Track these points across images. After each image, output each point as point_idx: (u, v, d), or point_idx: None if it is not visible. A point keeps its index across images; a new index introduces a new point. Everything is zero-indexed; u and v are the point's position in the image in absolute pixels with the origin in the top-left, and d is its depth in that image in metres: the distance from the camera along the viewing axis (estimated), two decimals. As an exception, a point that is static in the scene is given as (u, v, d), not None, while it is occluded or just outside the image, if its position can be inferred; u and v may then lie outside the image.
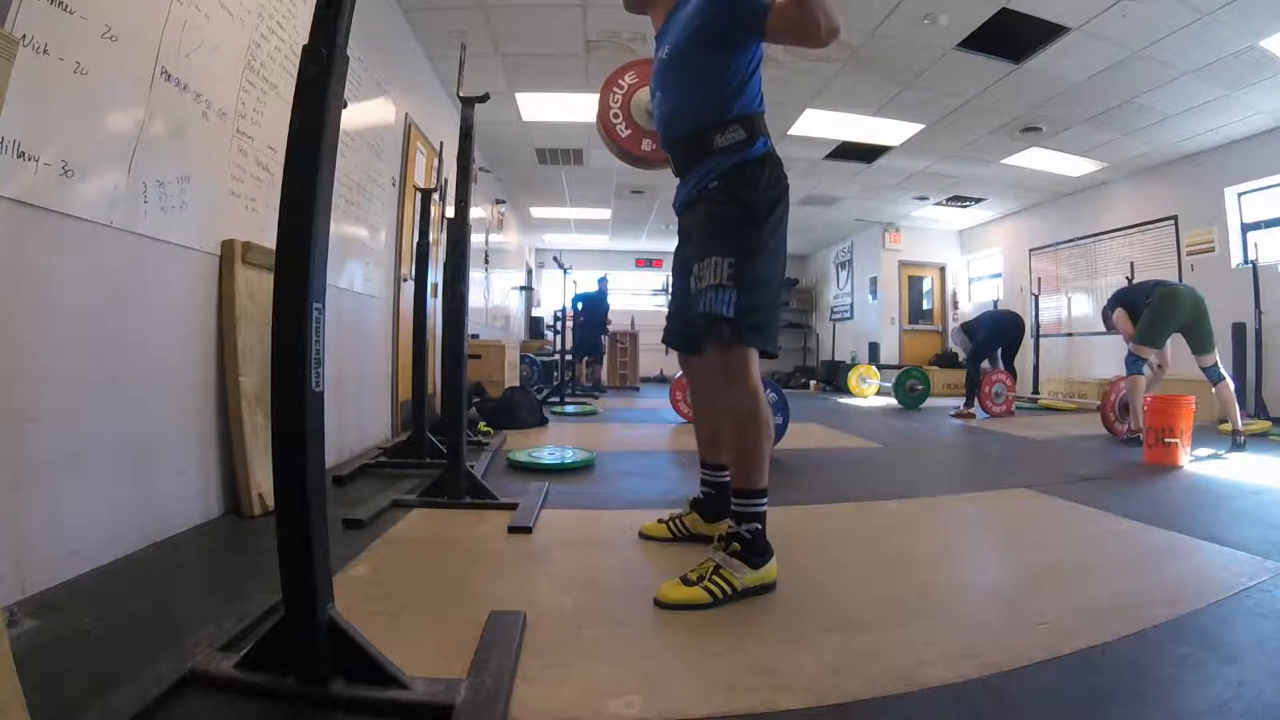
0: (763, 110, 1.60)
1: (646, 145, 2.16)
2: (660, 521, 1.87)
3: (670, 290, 1.83)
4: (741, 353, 1.48)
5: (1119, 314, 4.23)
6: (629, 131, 2.17)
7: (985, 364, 5.93)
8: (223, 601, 1.29)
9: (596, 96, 2.20)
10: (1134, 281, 5.68)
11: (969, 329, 6.12)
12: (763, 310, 1.50)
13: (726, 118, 1.53)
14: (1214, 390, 3.80)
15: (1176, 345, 3.99)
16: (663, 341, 1.83)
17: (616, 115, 2.17)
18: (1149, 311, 3.88)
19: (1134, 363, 3.90)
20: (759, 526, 1.46)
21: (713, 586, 1.37)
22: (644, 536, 1.86)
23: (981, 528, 2.18)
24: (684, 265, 1.65)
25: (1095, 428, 4.48)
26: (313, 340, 0.93)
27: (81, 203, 1.45)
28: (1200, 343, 3.79)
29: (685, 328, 1.67)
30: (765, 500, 1.48)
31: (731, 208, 1.49)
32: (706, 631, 1.25)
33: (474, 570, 1.62)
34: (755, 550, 1.43)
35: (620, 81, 2.18)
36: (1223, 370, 3.78)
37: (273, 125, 2.21)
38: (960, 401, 5.91)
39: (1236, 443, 3.61)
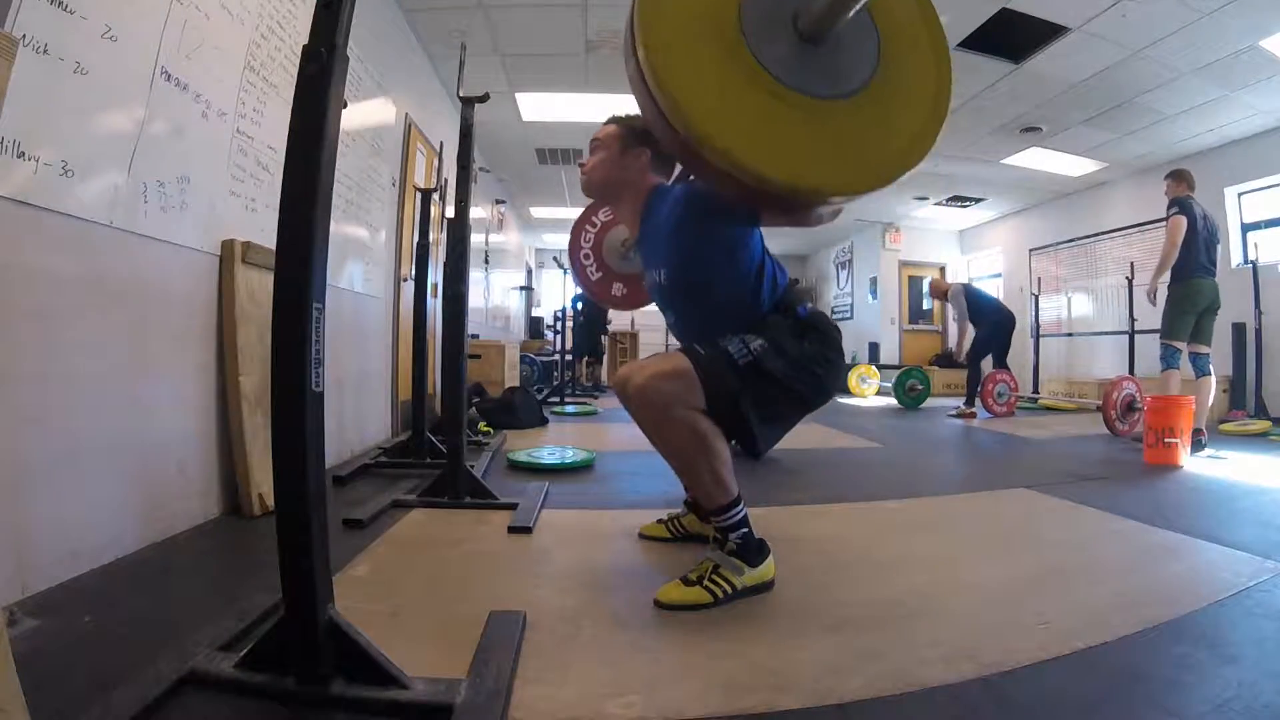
0: (785, 282, 1.56)
1: (618, 290, 2.05)
2: (659, 522, 1.87)
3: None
4: (689, 389, 1.37)
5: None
6: (600, 274, 2.06)
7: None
8: (223, 601, 1.29)
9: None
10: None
11: (973, 304, 5.83)
12: (769, 404, 1.44)
13: (761, 316, 1.49)
14: (1197, 380, 3.75)
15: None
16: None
17: (588, 256, 2.06)
18: (1171, 305, 3.73)
19: (1171, 355, 3.70)
20: (745, 531, 1.44)
21: (713, 586, 1.37)
22: (643, 537, 1.86)
23: (981, 528, 2.18)
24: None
25: (1095, 428, 4.48)
26: (313, 340, 0.93)
27: (81, 202, 1.45)
28: (1205, 333, 3.74)
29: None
30: (740, 508, 1.45)
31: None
32: (706, 631, 1.25)
33: (474, 570, 1.62)
34: (750, 549, 1.43)
35: (593, 220, 2.07)
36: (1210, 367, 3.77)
37: (273, 125, 2.21)
38: (960, 401, 5.90)
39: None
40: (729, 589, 1.38)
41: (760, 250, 1.52)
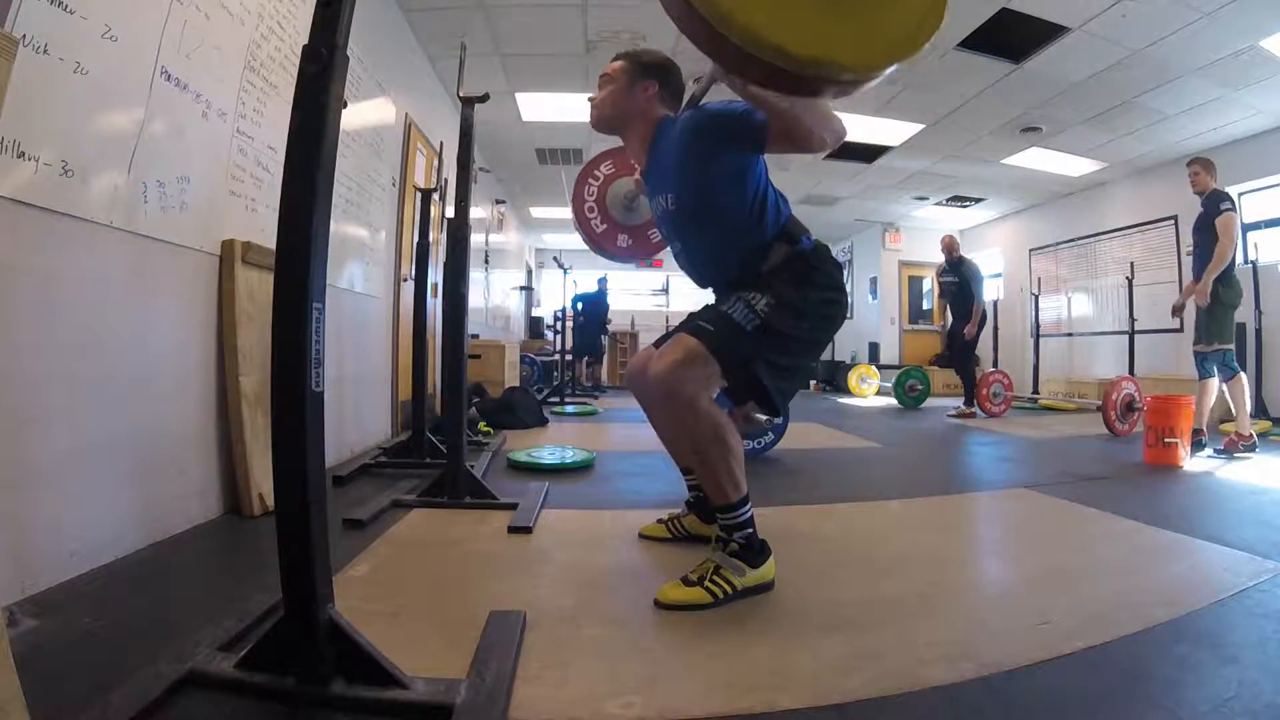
0: (790, 211, 1.56)
1: (623, 241, 2.06)
2: (659, 522, 1.87)
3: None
4: (707, 369, 1.39)
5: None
6: (605, 227, 2.07)
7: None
8: (223, 601, 1.29)
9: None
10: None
11: (975, 287, 5.69)
12: (783, 361, 1.45)
13: (765, 243, 1.51)
14: (1200, 381, 3.64)
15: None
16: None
17: (592, 209, 2.07)
18: (1216, 306, 3.47)
19: (1229, 359, 3.51)
20: (749, 531, 1.45)
21: (713, 586, 1.37)
22: (643, 537, 1.86)
23: (981, 528, 2.18)
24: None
25: (1095, 428, 4.48)
26: (313, 340, 0.93)
27: (81, 203, 1.45)
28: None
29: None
30: (748, 506, 1.46)
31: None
32: (706, 631, 1.25)
33: (474, 570, 1.62)
34: (752, 550, 1.43)
35: (596, 172, 2.08)
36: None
37: (273, 125, 2.21)
38: (959, 401, 5.89)
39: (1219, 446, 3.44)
40: (729, 589, 1.38)
41: (764, 178, 1.54)
